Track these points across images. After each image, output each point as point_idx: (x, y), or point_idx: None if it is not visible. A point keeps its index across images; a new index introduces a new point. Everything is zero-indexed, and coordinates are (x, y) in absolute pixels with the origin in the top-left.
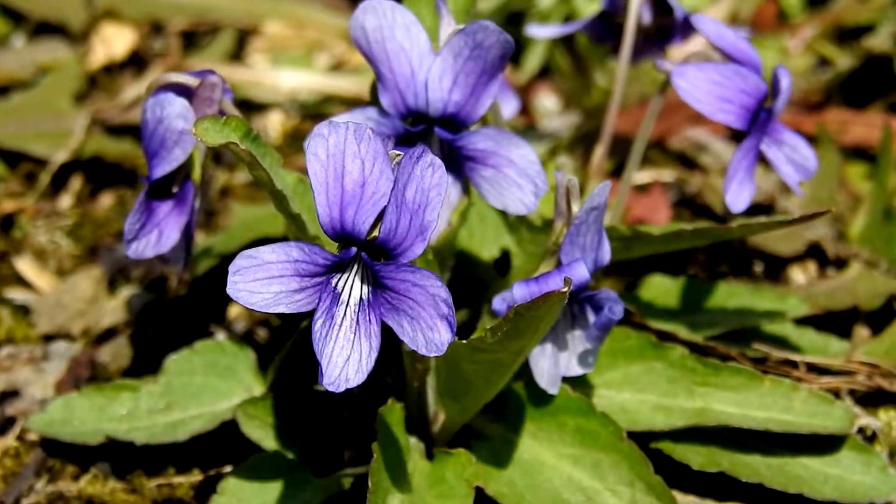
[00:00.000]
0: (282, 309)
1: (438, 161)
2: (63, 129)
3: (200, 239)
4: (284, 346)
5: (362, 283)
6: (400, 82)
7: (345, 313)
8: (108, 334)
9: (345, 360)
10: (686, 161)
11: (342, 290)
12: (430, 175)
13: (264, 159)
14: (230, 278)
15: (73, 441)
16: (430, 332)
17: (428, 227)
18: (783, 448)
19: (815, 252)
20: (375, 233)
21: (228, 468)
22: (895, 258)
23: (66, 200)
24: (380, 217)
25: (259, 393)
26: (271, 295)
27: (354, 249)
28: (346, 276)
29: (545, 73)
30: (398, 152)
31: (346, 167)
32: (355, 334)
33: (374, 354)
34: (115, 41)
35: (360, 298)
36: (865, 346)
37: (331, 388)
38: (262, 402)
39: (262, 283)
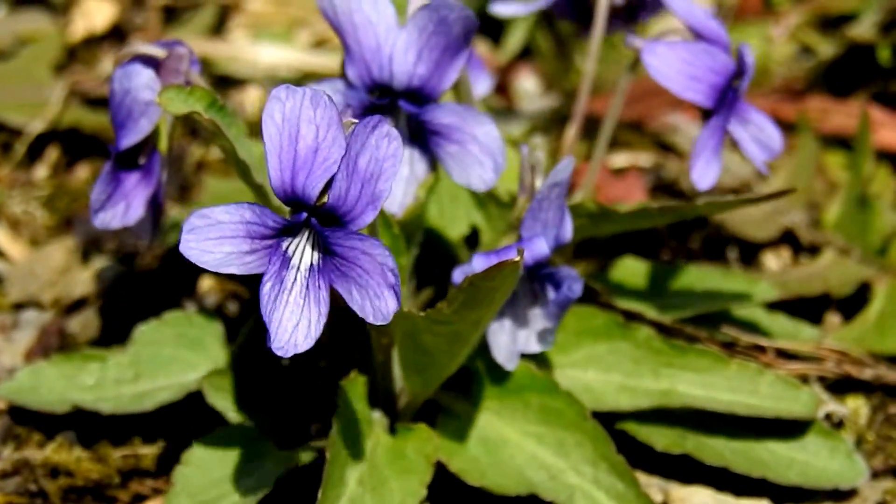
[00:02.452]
0: (233, 270)
1: (395, 132)
2: (41, 99)
3: (174, 213)
4: (251, 318)
5: (313, 249)
6: (366, 54)
7: (295, 278)
8: (79, 304)
9: (294, 325)
10: (665, 146)
11: (293, 255)
12: (385, 145)
13: (230, 129)
14: (183, 236)
15: (40, 409)
16: (377, 300)
17: (380, 196)
18: (748, 432)
19: (788, 238)
20: (325, 199)
21: (194, 440)
22: (869, 246)
23: (41, 171)
24: (330, 183)
25: (226, 365)
26: (222, 255)
27: (305, 214)
28: (296, 241)
29: (526, 54)
30: (353, 121)
31: (301, 132)
32: (305, 300)
33: (323, 321)
34: (95, 14)
35: (311, 264)
36: (836, 333)
37: (279, 353)
38: (227, 374)
39: (213, 242)
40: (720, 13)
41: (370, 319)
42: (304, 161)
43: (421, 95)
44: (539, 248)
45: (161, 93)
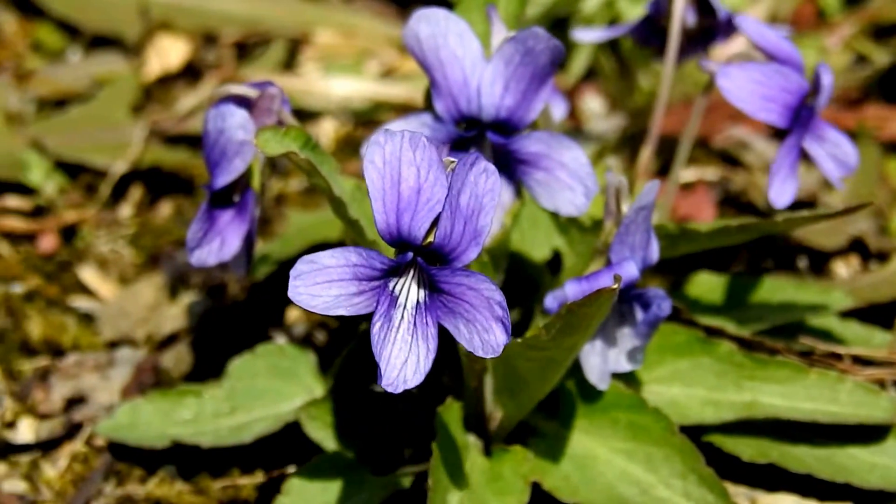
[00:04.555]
0: (341, 312)
1: (492, 167)
2: (121, 140)
3: (257, 245)
4: (344, 348)
5: (419, 286)
6: (453, 88)
7: (402, 316)
8: (171, 340)
9: (403, 361)
10: (729, 159)
11: (399, 294)
12: (483, 181)
13: (322, 167)
14: (291, 282)
15: (139, 445)
16: (485, 334)
17: (482, 232)
18: (830, 439)
19: (857, 246)
20: (431, 238)
21: (292, 469)
22: None
23: (126, 210)
24: (435, 222)
25: (320, 395)
26: (331, 298)
27: (411, 254)
28: (402, 279)
29: (590, 75)
30: (452, 159)
31: (402, 174)
32: (413, 337)
33: (432, 356)
34: (169, 53)
35: (417, 301)
36: None
37: (389, 390)
38: (323, 404)
39: (321, 286)
40: (774, 26)
41: (479, 353)
42: (407, 203)
43: (508, 126)
44: (630, 271)
45: (257, 134)
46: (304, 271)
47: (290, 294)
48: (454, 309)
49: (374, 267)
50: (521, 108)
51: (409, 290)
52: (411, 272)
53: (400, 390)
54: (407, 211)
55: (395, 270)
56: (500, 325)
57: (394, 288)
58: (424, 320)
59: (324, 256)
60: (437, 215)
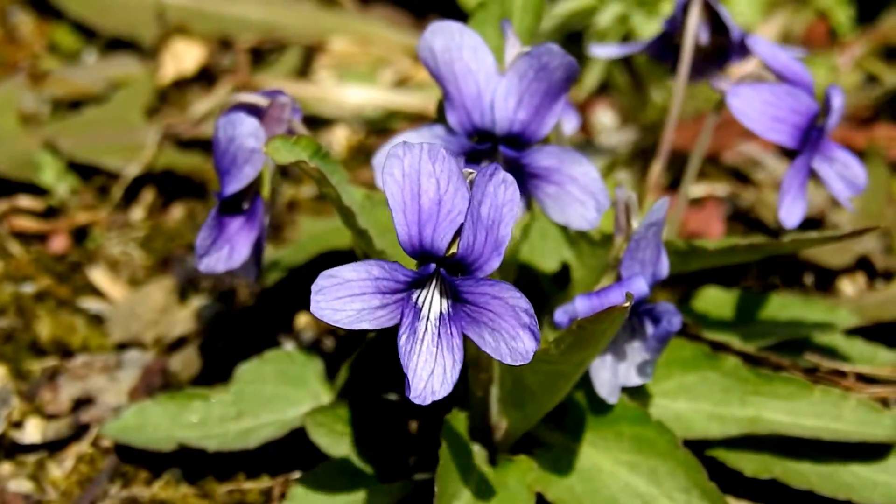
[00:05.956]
0: (365, 325)
1: (510, 178)
2: (135, 142)
3: (268, 252)
4: (351, 355)
5: (442, 297)
6: (467, 101)
7: (426, 328)
8: (179, 343)
9: (429, 373)
10: (739, 176)
11: (423, 306)
12: (503, 192)
13: (332, 176)
14: (313, 297)
15: (146, 447)
16: (513, 341)
17: (503, 241)
18: (833, 456)
19: (864, 265)
20: (454, 249)
21: (297, 474)
22: None
23: (138, 213)
24: (457, 234)
25: (327, 401)
26: (354, 312)
27: (433, 266)
28: (425, 291)
29: (603, 89)
30: (471, 170)
31: (422, 186)
32: (438, 348)
33: (458, 367)
34: (184, 57)
35: (441, 313)
36: None
37: (417, 401)
38: (329, 410)
39: (344, 300)
40: (787, 45)
41: (507, 361)
42: (428, 215)
43: (521, 140)
44: (640, 287)
45: (267, 143)
46: (325, 286)
47: (312, 310)
48: (478, 318)
49: (397, 280)
50: (534, 122)
51: (432, 302)
52: (434, 283)
53: (428, 402)
54: (429, 223)
55: (418, 282)
56: (528, 331)
57: (417, 299)
58: (449, 331)
59: (345, 270)
60: (458, 226)
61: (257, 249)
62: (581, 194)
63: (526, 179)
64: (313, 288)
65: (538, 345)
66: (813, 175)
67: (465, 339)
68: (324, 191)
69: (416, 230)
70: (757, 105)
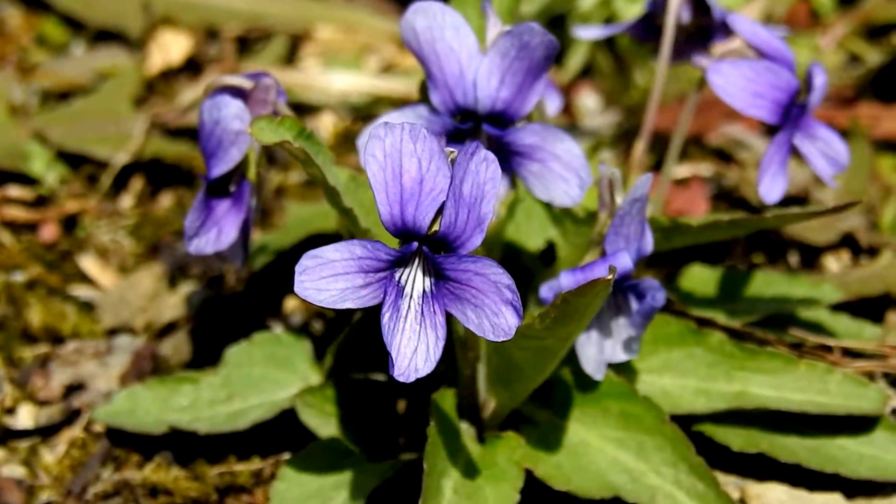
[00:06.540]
0: (349, 305)
1: (492, 156)
2: (123, 132)
3: (256, 237)
4: (338, 337)
5: (424, 275)
6: (449, 81)
7: (409, 306)
8: (169, 328)
9: (413, 350)
10: (723, 156)
11: (405, 284)
12: (484, 170)
13: (317, 157)
14: (297, 278)
15: (137, 431)
16: (495, 317)
17: (484, 219)
18: (820, 430)
19: (848, 241)
20: (436, 227)
21: (287, 455)
22: None
23: (127, 201)
24: (439, 212)
25: (316, 382)
26: (337, 291)
27: (416, 244)
28: (408, 269)
29: (587, 72)
30: (453, 150)
31: (404, 166)
32: (421, 325)
33: (441, 344)
34: (171, 47)
35: (423, 291)
36: None
37: (401, 379)
38: (318, 391)
39: (327, 280)
40: (770, 26)
41: (490, 337)
42: (410, 194)
43: (504, 119)
44: (624, 262)
45: (252, 123)
46: (309, 266)
47: (296, 289)
48: (461, 295)
49: (380, 258)
50: (517, 100)
51: (414, 280)
52: (416, 261)
53: (412, 379)
54: (410, 202)
55: (401, 261)
56: (511, 307)
57: (400, 278)
58: (432, 309)
59: (328, 251)
60: (440, 205)
61: (245, 232)
62: (564, 171)
63: (509, 158)
64: (297, 268)
65: (520, 320)
66: (796, 153)
67: (450, 318)
68: (309, 171)
69: (398, 209)
70: (737, 81)
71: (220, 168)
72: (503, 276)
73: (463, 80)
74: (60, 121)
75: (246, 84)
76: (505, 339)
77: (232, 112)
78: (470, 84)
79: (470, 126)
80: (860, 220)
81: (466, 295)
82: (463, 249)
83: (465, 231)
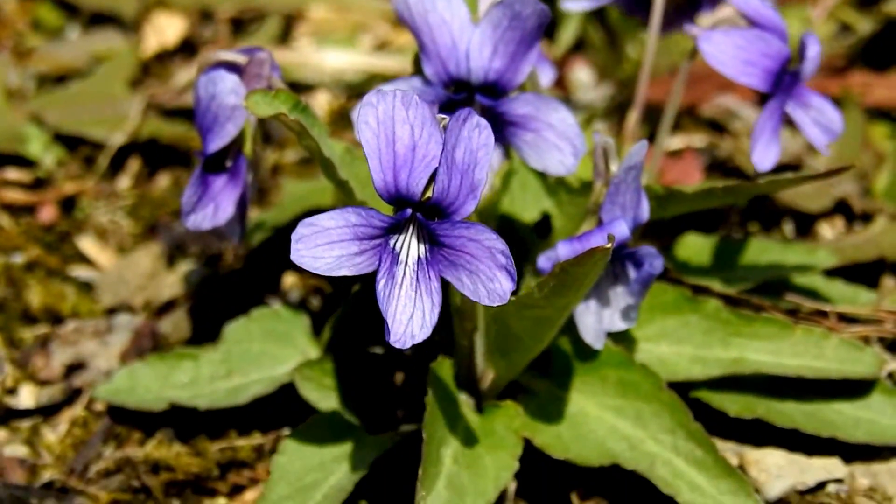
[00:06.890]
0: (344, 272)
1: (484, 122)
2: (119, 113)
3: (253, 214)
4: (336, 311)
5: (419, 242)
6: (442, 52)
7: (404, 272)
8: (168, 306)
9: (408, 317)
10: (717, 127)
11: (400, 251)
12: (476, 136)
13: (313, 129)
14: (293, 246)
15: (138, 408)
16: (490, 283)
17: (478, 185)
18: (816, 394)
19: (842, 208)
20: (429, 193)
21: (287, 430)
22: None
23: (124, 181)
24: (432, 178)
25: (314, 356)
26: (333, 259)
27: (409, 211)
28: (402, 236)
29: (579, 47)
30: (444, 116)
31: (397, 133)
32: (416, 292)
33: (437, 310)
34: (166, 29)
35: (418, 257)
36: (893, 296)
37: (397, 346)
38: (317, 365)
39: (323, 248)
40: None
41: (485, 302)
42: (403, 160)
43: (497, 89)
44: (621, 230)
45: (247, 97)
46: (305, 234)
47: (292, 257)
48: (455, 261)
49: (374, 225)
50: (510, 70)
51: (409, 247)
52: (411, 228)
53: (408, 346)
54: (403, 168)
55: (395, 228)
56: (505, 272)
57: (395, 245)
58: (427, 275)
59: (323, 218)
60: (433, 171)
61: (242, 207)
62: (558, 140)
63: (503, 127)
64: (293, 236)
65: (515, 285)
66: (789, 122)
67: (447, 285)
68: (304, 143)
69: (391, 176)
70: (728, 49)
71: (217, 143)
72: (497, 242)
73: (455, 51)
74: (57, 104)
75: (240, 59)
76: (500, 304)
77: (227, 87)
78: (462, 55)
79: (463, 97)
80: (853, 187)
81: (461, 261)
82: (457, 216)
83: (459, 197)
